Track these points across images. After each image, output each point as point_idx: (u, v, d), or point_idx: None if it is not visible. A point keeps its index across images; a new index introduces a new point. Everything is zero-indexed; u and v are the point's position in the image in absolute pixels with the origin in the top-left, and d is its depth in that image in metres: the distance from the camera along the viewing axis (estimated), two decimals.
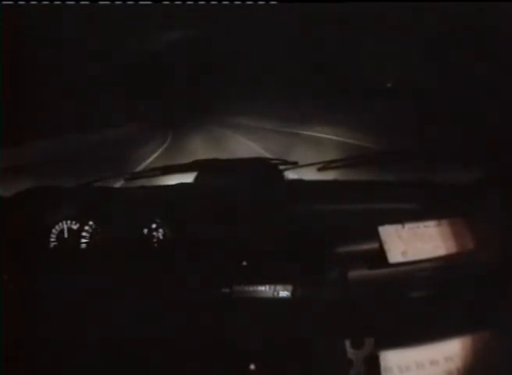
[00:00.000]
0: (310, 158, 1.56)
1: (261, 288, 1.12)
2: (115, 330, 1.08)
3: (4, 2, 1.35)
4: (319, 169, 1.44)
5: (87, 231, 1.22)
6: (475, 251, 1.13)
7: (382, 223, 1.14)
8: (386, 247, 1.11)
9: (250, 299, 1.12)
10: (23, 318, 1.10)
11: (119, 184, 1.50)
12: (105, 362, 1.06)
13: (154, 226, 1.22)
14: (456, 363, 1.04)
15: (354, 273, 1.12)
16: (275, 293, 1.11)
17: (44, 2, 1.36)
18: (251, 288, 1.12)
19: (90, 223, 1.23)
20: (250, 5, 1.33)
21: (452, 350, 1.05)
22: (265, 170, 1.52)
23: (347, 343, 1.07)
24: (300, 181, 1.48)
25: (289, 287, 1.12)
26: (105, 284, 1.13)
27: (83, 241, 1.22)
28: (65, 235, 1.23)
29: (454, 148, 1.50)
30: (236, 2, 1.35)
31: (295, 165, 1.51)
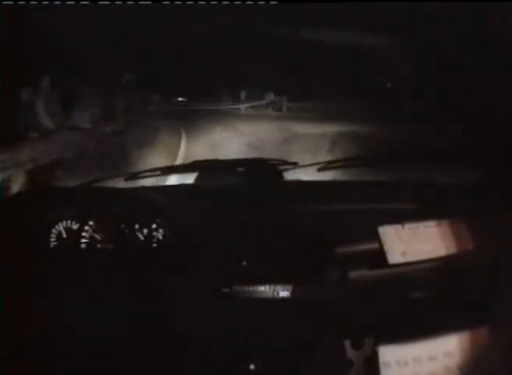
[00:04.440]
0: (309, 158, 1.56)
1: (261, 288, 1.12)
2: (115, 329, 1.08)
3: (4, 2, 1.34)
4: (319, 170, 1.44)
5: (87, 231, 1.22)
6: (475, 252, 1.13)
7: (382, 223, 1.14)
8: (386, 247, 1.11)
9: (250, 299, 1.12)
10: (22, 318, 1.10)
11: (119, 184, 1.50)
12: (105, 361, 1.06)
13: (154, 226, 1.22)
14: (456, 359, 1.04)
15: (354, 274, 1.12)
16: (275, 293, 1.11)
17: (44, 2, 1.36)
18: (251, 288, 1.12)
19: (90, 223, 1.23)
20: (250, 5, 1.33)
21: (451, 345, 1.05)
22: (265, 170, 1.52)
23: (347, 343, 1.07)
24: (299, 181, 1.48)
25: (289, 287, 1.12)
26: (105, 284, 1.13)
27: (83, 241, 1.22)
28: (65, 235, 1.23)
29: (454, 148, 1.50)
30: (236, 2, 1.35)
31: (295, 165, 1.51)
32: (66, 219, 1.23)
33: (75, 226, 1.23)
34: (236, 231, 1.19)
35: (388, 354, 1.04)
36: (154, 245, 1.21)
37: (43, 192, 1.31)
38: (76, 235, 1.22)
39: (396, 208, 1.25)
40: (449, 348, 1.04)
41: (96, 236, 1.22)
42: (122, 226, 1.22)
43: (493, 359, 1.04)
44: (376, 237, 1.12)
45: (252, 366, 1.05)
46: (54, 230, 1.23)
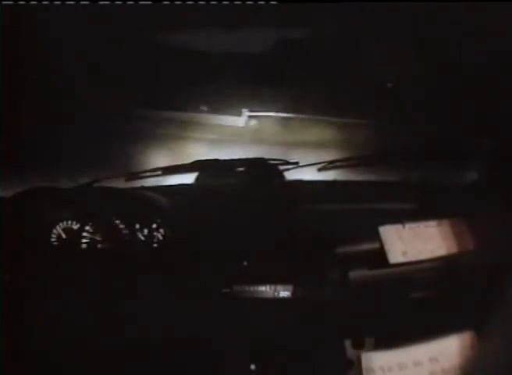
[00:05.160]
0: (310, 157, 1.56)
1: (261, 288, 1.12)
2: (115, 329, 1.08)
3: (4, 2, 1.34)
4: (319, 170, 1.44)
5: (87, 231, 1.22)
6: (475, 252, 1.13)
7: (382, 223, 1.14)
8: (387, 247, 1.11)
9: (250, 299, 1.12)
10: (23, 318, 1.10)
11: (119, 184, 1.49)
12: (105, 361, 1.06)
13: (154, 226, 1.22)
14: (441, 364, 1.04)
15: (355, 273, 1.12)
16: (276, 293, 1.11)
17: (44, 2, 1.36)
18: (251, 288, 1.12)
19: (90, 223, 1.23)
20: (250, 5, 1.33)
21: (436, 351, 1.05)
22: (265, 170, 1.52)
23: (347, 343, 1.07)
24: (300, 181, 1.48)
25: (290, 287, 1.12)
26: (105, 284, 1.13)
27: (83, 241, 1.22)
28: (66, 235, 1.23)
29: (454, 148, 1.50)
30: (237, 2, 1.34)
31: (295, 165, 1.51)
32: (66, 220, 1.23)
33: (75, 227, 1.23)
34: (236, 231, 1.19)
35: (371, 359, 1.04)
36: (154, 245, 1.21)
37: (43, 192, 1.31)
38: (76, 235, 1.22)
39: (397, 208, 1.25)
40: (434, 353, 1.04)
41: (96, 236, 1.22)
42: (122, 226, 1.22)
43: (480, 364, 1.04)
44: (377, 237, 1.12)
45: (252, 366, 1.05)
46: (54, 231, 1.23)
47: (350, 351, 1.06)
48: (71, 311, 1.10)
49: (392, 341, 1.05)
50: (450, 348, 1.05)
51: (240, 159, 1.54)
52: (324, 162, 1.44)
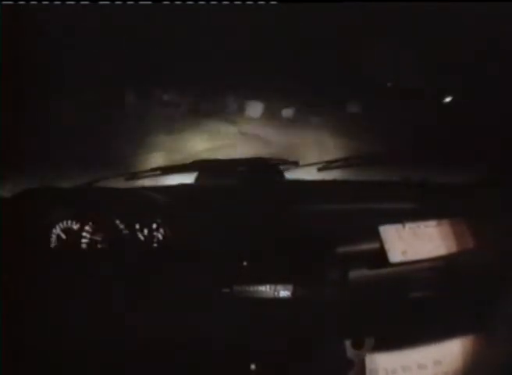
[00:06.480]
0: (310, 157, 1.56)
1: (261, 288, 1.12)
2: (115, 330, 1.08)
3: (4, 2, 1.35)
4: (319, 169, 1.44)
5: (87, 231, 1.22)
6: (475, 251, 1.13)
7: (382, 223, 1.14)
8: (387, 247, 1.11)
9: (250, 299, 1.12)
10: (23, 318, 1.10)
11: (119, 184, 1.49)
12: (105, 362, 1.06)
13: (154, 226, 1.22)
14: (445, 367, 1.04)
15: (355, 273, 1.12)
16: (276, 293, 1.11)
17: (44, 2, 1.36)
18: (251, 288, 1.12)
19: (90, 223, 1.23)
20: (250, 5, 1.33)
21: (440, 354, 1.05)
22: (265, 170, 1.52)
23: (347, 343, 1.07)
24: (300, 181, 1.48)
25: (290, 287, 1.12)
26: (105, 285, 1.13)
27: (83, 241, 1.22)
28: (65, 236, 1.23)
29: (454, 148, 1.50)
30: (237, 2, 1.35)
31: (295, 165, 1.51)
32: (66, 220, 1.23)
33: (75, 227, 1.23)
34: (236, 231, 1.19)
35: (376, 362, 1.04)
36: (154, 245, 1.21)
37: (43, 192, 1.31)
38: (76, 235, 1.22)
39: (397, 208, 1.26)
40: (438, 356, 1.04)
41: (96, 236, 1.22)
42: (122, 226, 1.22)
43: (484, 367, 1.04)
44: (377, 236, 1.13)
45: (252, 366, 1.05)
46: (54, 231, 1.23)
47: (350, 351, 1.06)
48: (71, 311, 1.10)
49: (392, 342, 1.06)
50: (454, 351, 1.05)
51: (239, 159, 1.54)
52: (324, 162, 1.44)
